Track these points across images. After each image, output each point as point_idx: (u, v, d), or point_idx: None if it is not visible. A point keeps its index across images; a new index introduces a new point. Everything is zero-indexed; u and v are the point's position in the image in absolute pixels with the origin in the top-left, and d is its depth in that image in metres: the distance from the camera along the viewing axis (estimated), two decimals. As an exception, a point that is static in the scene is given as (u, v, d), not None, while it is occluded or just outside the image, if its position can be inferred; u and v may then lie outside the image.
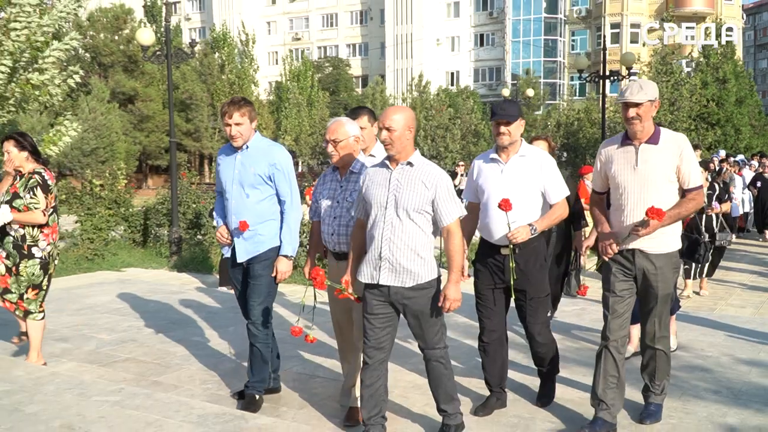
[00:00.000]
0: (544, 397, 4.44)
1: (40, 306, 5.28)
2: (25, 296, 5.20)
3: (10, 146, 5.18)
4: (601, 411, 3.95)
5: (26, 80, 10.13)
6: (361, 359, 3.93)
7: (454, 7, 57.04)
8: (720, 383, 4.97)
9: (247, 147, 4.48)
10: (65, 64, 11.28)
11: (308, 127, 38.01)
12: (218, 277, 9.32)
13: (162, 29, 18.87)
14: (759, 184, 14.42)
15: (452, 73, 55.96)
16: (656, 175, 3.81)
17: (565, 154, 29.69)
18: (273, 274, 4.45)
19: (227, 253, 4.65)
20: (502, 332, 4.28)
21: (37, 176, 5.17)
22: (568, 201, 4.22)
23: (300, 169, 37.14)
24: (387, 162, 3.78)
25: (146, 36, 16.52)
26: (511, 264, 3.99)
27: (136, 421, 3.98)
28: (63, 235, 11.86)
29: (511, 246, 3.95)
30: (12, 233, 5.16)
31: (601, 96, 20.73)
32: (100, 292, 8.26)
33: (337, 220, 4.16)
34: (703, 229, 8.15)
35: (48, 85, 10.58)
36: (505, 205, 3.80)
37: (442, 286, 3.74)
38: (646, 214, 3.65)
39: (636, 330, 5.08)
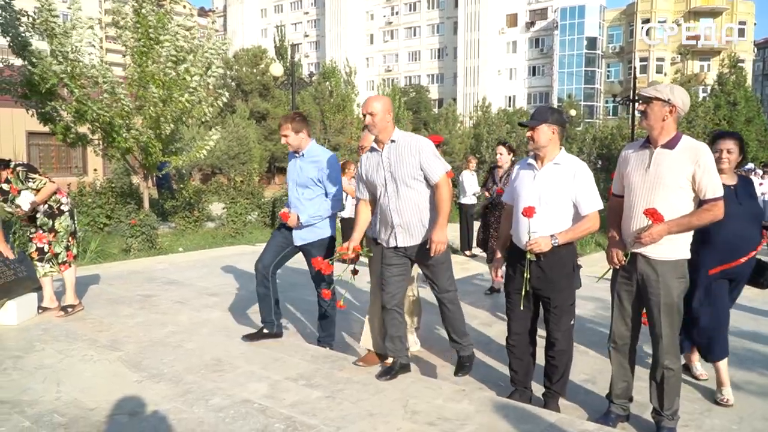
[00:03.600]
0: None
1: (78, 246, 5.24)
2: (70, 245, 5.11)
3: None
4: (612, 405, 3.37)
5: (179, 101, 10.55)
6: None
7: (512, 45, 56.05)
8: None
9: (303, 154, 4.29)
10: (218, 90, 11.68)
11: (396, 139, 37.87)
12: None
13: (288, 64, 19.31)
14: None
15: (510, 97, 54.93)
16: (666, 179, 3.01)
17: (599, 163, 28.78)
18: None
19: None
20: (528, 335, 3.54)
21: (19, 168, 4.90)
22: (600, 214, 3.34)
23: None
24: (375, 146, 3.55)
25: (277, 69, 16.98)
26: (526, 274, 3.29)
27: (266, 357, 4.07)
28: (213, 218, 12.32)
29: (529, 255, 3.26)
30: (39, 213, 4.98)
31: (630, 116, 19.93)
32: (239, 260, 8.46)
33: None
34: None
35: (201, 102, 11.02)
36: (527, 213, 3.18)
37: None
38: (644, 213, 2.96)
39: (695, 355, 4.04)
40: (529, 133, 3.31)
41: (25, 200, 4.84)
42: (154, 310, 5.45)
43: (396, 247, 3.57)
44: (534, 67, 55.66)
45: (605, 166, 27.59)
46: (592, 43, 51.92)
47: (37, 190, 4.92)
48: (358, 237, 3.64)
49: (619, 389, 3.35)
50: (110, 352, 4.18)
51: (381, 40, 63.52)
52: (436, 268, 3.56)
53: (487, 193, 6.52)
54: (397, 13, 62.43)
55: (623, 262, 3.16)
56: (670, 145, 3.06)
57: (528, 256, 3.27)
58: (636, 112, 3.25)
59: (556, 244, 3.23)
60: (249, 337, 4.43)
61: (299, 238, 4.30)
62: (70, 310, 5.11)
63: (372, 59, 63.93)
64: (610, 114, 45.70)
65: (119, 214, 10.67)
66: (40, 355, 4.10)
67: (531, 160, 3.44)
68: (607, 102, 50.60)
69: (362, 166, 3.66)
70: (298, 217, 4.21)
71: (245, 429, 3.02)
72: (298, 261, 4.68)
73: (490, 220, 6.36)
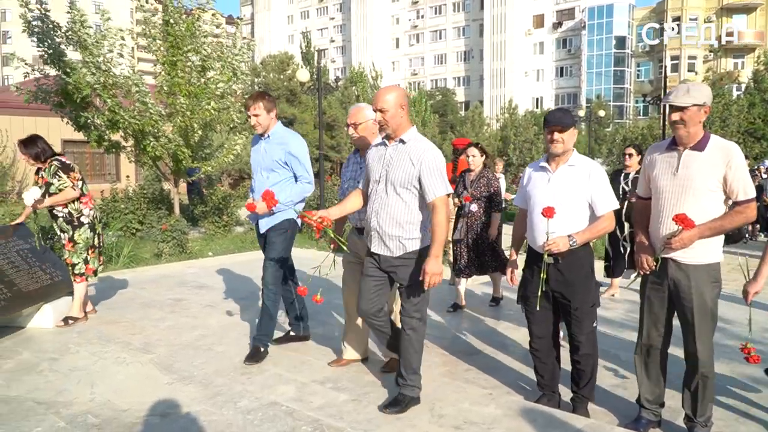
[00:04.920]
0: None
1: (100, 261, 5.21)
2: (89, 258, 5.06)
3: (23, 149, 4.95)
4: (643, 410, 3.28)
5: (206, 110, 10.77)
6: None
7: (539, 46, 55.68)
8: (762, 353, 4.54)
9: (269, 136, 4.11)
10: (245, 97, 11.85)
11: (422, 142, 37.97)
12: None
13: (314, 70, 19.48)
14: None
15: (537, 99, 54.53)
16: (696, 182, 2.90)
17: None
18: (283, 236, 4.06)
19: (253, 222, 4.26)
20: (551, 338, 3.46)
21: (55, 162, 4.92)
22: (615, 214, 3.31)
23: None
24: (385, 140, 3.29)
25: (303, 75, 17.13)
26: (542, 275, 3.22)
27: (294, 360, 4.11)
28: (242, 222, 12.45)
29: (546, 255, 3.17)
30: (59, 214, 4.96)
31: (661, 116, 19.59)
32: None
33: None
34: (623, 218, 6.21)
35: (229, 108, 11.21)
36: (547, 213, 3.09)
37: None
38: (674, 219, 2.84)
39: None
40: (558, 136, 3.20)
41: (30, 196, 4.85)
42: (184, 313, 5.54)
43: (371, 253, 3.34)
44: (561, 68, 55.12)
45: (635, 167, 27.13)
46: (621, 42, 51.21)
47: (60, 191, 4.91)
48: (335, 213, 3.38)
49: (651, 394, 3.29)
50: (142, 354, 4.26)
51: (407, 44, 63.62)
52: (409, 288, 3.26)
53: (456, 200, 5.87)
54: (422, 17, 62.47)
55: (653, 268, 3.07)
56: (700, 146, 2.95)
57: (545, 258, 3.21)
58: (670, 122, 3.02)
59: (574, 245, 3.17)
60: (277, 341, 4.47)
61: (264, 224, 4.13)
62: (71, 321, 5.00)
63: (398, 63, 64.07)
64: (641, 114, 45.02)
65: (151, 219, 10.88)
66: (74, 357, 4.21)
67: (543, 163, 3.37)
68: (637, 102, 49.82)
69: (368, 156, 3.43)
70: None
71: (273, 431, 3.05)
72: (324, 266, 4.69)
73: (465, 235, 5.78)
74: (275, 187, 4.00)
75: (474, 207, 5.68)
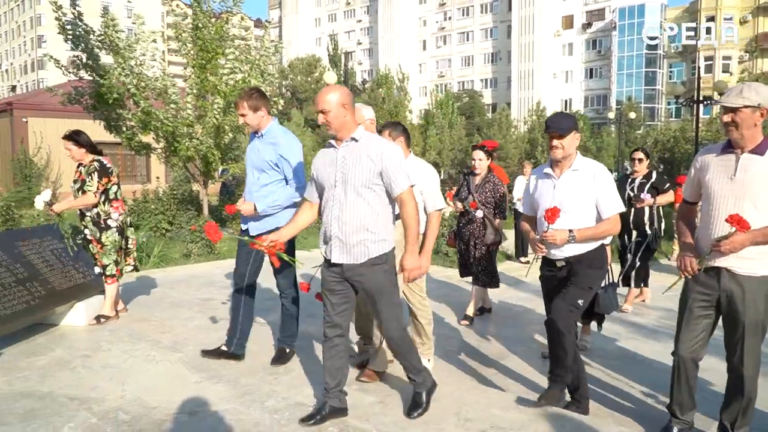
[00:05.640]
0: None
1: (131, 261, 5.28)
2: (119, 259, 5.10)
3: (69, 144, 4.90)
4: (674, 419, 3.18)
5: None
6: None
7: (569, 47, 55.12)
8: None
9: (262, 135, 3.95)
10: (273, 98, 11.98)
11: (449, 144, 37.86)
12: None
13: (341, 72, 19.63)
14: None
15: (566, 100, 53.96)
16: (757, 187, 2.75)
17: (661, 166, 27.84)
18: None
19: (244, 225, 4.10)
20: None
21: (96, 163, 4.90)
22: (621, 217, 3.33)
23: (441, 177, 37.04)
24: (333, 142, 3.10)
25: (330, 77, 17.25)
26: (538, 254, 3.34)
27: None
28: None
29: (538, 257, 3.23)
30: (88, 213, 4.96)
31: (695, 117, 19.20)
32: (294, 265, 8.57)
33: None
34: (631, 225, 5.89)
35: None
36: (548, 219, 3.09)
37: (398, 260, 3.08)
38: (727, 220, 2.67)
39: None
40: (557, 142, 3.20)
41: (40, 199, 4.88)
42: (212, 313, 5.60)
43: (332, 264, 3.12)
44: (591, 69, 54.46)
45: (667, 170, 26.71)
46: (652, 43, 50.40)
47: (85, 192, 4.90)
48: (287, 234, 3.30)
49: (682, 402, 3.20)
50: (172, 353, 4.33)
51: (434, 46, 63.55)
52: (378, 297, 3.08)
53: (460, 204, 5.56)
54: (449, 19, 62.34)
55: (696, 272, 2.93)
56: (760, 150, 2.80)
57: (558, 263, 3.28)
58: (722, 123, 2.86)
59: (572, 240, 3.17)
60: (207, 353, 4.19)
61: (254, 228, 3.98)
62: (103, 320, 5.07)
63: (425, 65, 64.04)
64: (673, 116, 44.20)
65: (180, 220, 11.05)
66: (106, 354, 4.29)
67: (547, 169, 3.37)
68: (669, 104, 48.91)
69: (315, 163, 3.21)
70: (254, 206, 3.89)
71: (299, 431, 3.07)
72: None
73: (467, 240, 5.55)
74: (265, 189, 3.93)
75: (479, 213, 5.42)
